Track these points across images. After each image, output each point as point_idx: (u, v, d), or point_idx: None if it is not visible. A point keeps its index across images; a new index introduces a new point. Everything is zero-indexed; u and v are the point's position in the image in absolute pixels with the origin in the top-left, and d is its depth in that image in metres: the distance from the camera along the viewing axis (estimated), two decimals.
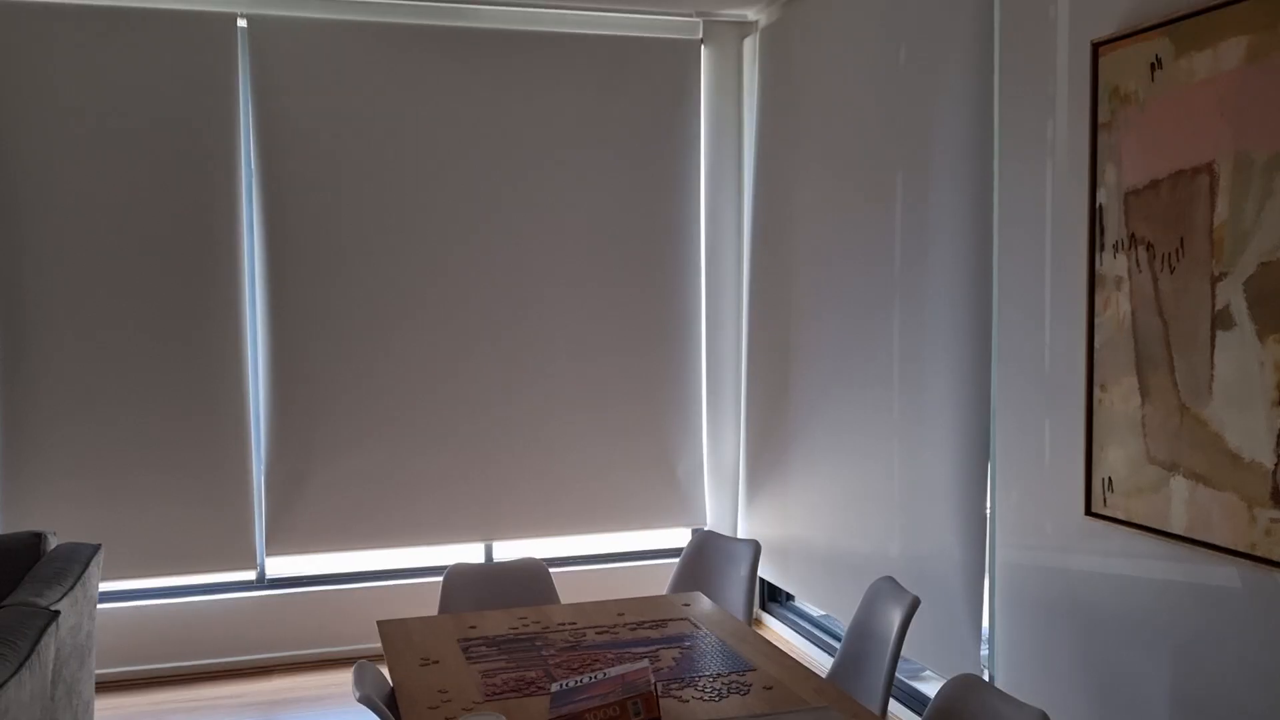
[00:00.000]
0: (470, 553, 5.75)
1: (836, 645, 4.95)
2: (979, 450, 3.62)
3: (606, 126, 5.35)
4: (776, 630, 5.53)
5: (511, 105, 5.23)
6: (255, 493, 5.04)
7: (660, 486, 5.54)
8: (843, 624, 5.05)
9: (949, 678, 2.50)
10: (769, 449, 5.20)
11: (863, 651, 3.07)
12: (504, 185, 5.24)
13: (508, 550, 5.69)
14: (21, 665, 2.64)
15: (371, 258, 5.10)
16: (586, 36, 5.29)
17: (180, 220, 4.87)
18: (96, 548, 3.73)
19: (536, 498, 5.37)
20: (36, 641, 2.79)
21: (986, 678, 3.62)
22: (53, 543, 3.77)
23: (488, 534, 5.34)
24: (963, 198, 3.68)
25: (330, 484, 5.09)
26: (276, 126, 4.95)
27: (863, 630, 3.12)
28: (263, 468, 5.05)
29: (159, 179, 4.83)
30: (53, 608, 3.06)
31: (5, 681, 2.51)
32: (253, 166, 4.95)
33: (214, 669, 5.05)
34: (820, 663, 4.95)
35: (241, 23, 4.90)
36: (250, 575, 5.16)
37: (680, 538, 5.93)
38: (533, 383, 5.33)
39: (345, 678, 4.91)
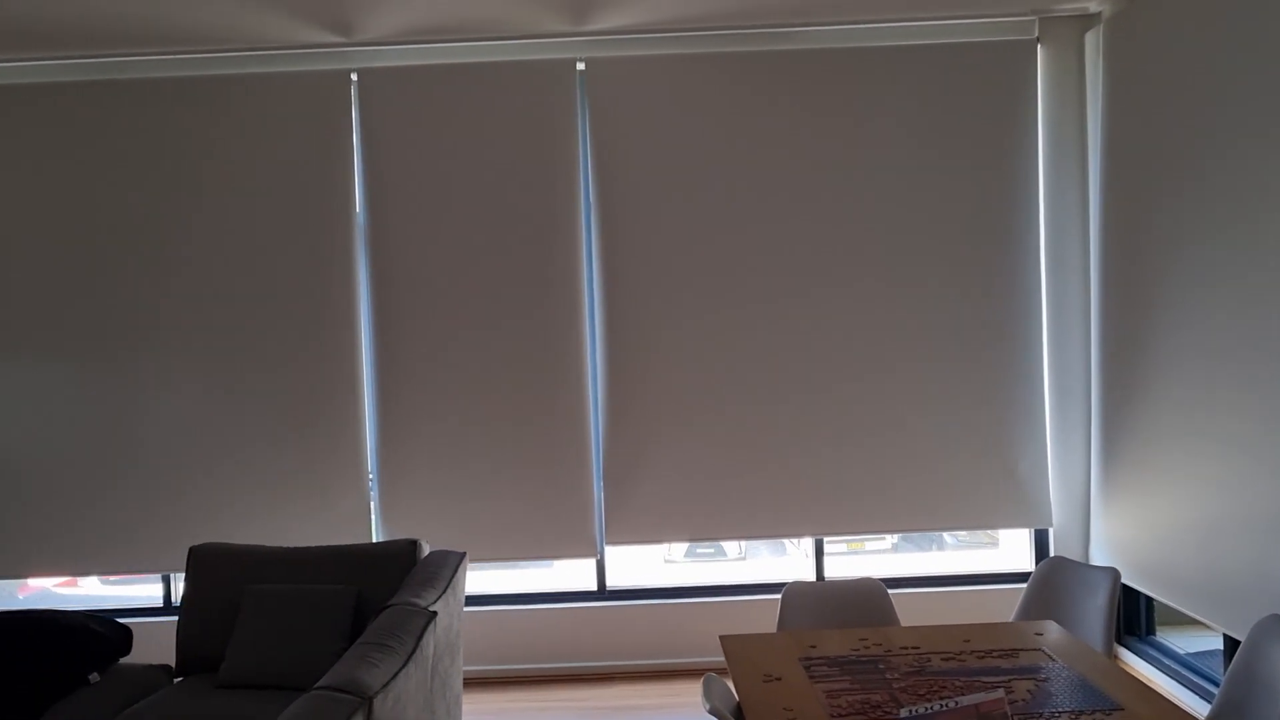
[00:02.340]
0: (802, 568, 5.76)
1: (1207, 686, 4.52)
2: None
3: (937, 134, 5.22)
4: (1136, 667, 5.13)
5: (837, 120, 5.22)
6: (595, 487, 5.31)
7: (999, 484, 5.30)
8: (1216, 642, 4.61)
9: None
10: (1125, 449, 4.84)
11: (1248, 698, 2.79)
12: (833, 193, 5.23)
13: (841, 565, 5.64)
14: (409, 658, 2.92)
15: (701, 266, 5.24)
16: (912, 47, 5.20)
17: (527, 244, 5.23)
18: (462, 555, 4.06)
19: (868, 493, 5.29)
20: (420, 638, 3.07)
21: None
22: (425, 549, 4.14)
23: (819, 529, 5.31)
24: None
25: (663, 478, 5.28)
26: (610, 154, 5.21)
27: (1248, 674, 2.83)
28: (600, 464, 5.31)
29: (510, 208, 5.22)
30: (431, 608, 3.36)
31: (397, 672, 2.78)
32: (590, 190, 5.24)
33: (559, 673, 5.34)
34: (1192, 706, 4.53)
35: (580, 66, 5.21)
36: (592, 584, 5.43)
37: (1022, 559, 5.64)
38: (864, 378, 5.27)
39: (683, 689, 5.05)
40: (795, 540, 6.82)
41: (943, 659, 3.02)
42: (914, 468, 5.29)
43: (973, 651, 3.08)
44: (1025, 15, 5.19)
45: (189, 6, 4.60)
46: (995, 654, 3.05)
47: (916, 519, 5.31)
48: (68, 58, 5.20)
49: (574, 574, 5.79)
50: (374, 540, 5.28)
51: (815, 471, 5.29)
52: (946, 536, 7.06)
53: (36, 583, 6.26)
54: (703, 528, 5.31)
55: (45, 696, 3.66)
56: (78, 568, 5.29)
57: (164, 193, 5.24)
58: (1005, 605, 5.34)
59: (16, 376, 5.27)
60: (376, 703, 2.61)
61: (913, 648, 3.13)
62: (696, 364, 5.27)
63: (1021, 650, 3.07)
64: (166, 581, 5.50)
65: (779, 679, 2.88)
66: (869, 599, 3.69)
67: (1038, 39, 5.23)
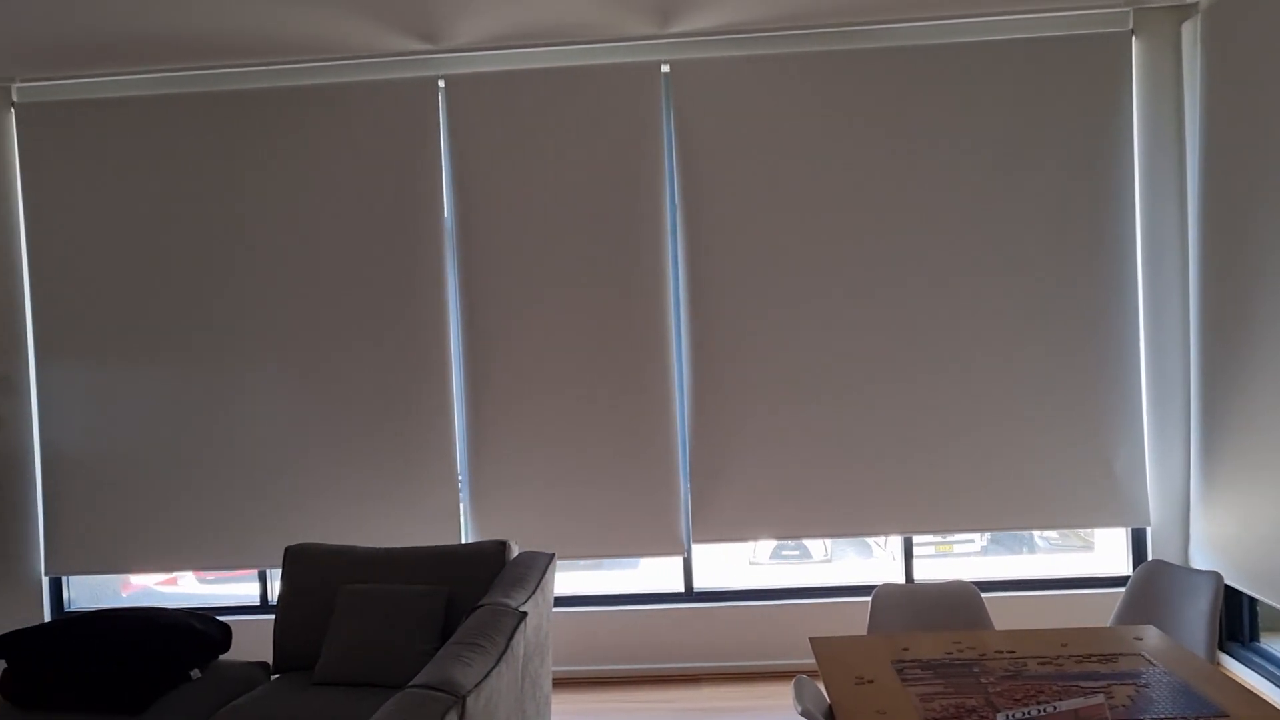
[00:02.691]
0: (889, 571, 5.70)
1: None
2: None
3: (1029, 129, 5.12)
4: (1239, 674, 4.97)
5: (927, 117, 5.15)
6: (681, 486, 5.31)
7: (1094, 481, 5.17)
8: None
9: None
10: (1227, 444, 4.69)
11: None
12: (922, 189, 5.17)
13: (929, 567, 5.57)
14: (500, 658, 2.96)
15: (788, 263, 5.22)
16: (1002, 42, 5.11)
17: (613, 246, 5.26)
18: (551, 556, 4.10)
19: (958, 491, 5.21)
20: (510, 638, 3.10)
21: None
22: (514, 551, 4.18)
23: (907, 527, 5.25)
24: None
25: (750, 476, 5.27)
26: (695, 154, 5.22)
27: None
28: (687, 462, 5.31)
29: (596, 210, 5.26)
30: (521, 608, 3.39)
31: (489, 671, 2.82)
32: (675, 191, 5.25)
33: (647, 674, 5.36)
34: None
35: (665, 68, 5.23)
36: (679, 586, 5.44)
37: (1118, 563, 5.51)
38: (954, 374, 5.20)
39: (770, 691, 5.03)
40: (881, 542, 6.74)
41: (1039, 663, 2.96)
42: (1005, 465, 5.20)
43: (1070, 656, 3.02)
44: (1119, 7, 5.06)
45: (280, 19, 4.73)
46: (1093, 659, 2.98)
47: (1008, 517, 5.21)
48: (167, 70, 5.38)
49: (660, 576, 5.79)
50: (463, 539, 5.36)
51: (904, 469, 5.23)
52: (1038, 539, 6.91)
53: (138, 580, 6.47)
54: (790, 526, 5.28)
55: (150, 692, 3.79)
56: (182, 564, 5.46)
57: (260, 199, 5.39)
58: (1101, 610, 5.21)
59: (122, 379, 5.46)
60: (469, 701, 2.65)
61: (1008, 651, 3.08)
62: (782, 361, 5.25)
63: (1120, 655, 3.00)
64: (263, 580, 5.65)
65: (871, 681, 2.86)
66: (961, 602, 3.64)
67: (1132, 31, 5.10)
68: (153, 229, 5.44)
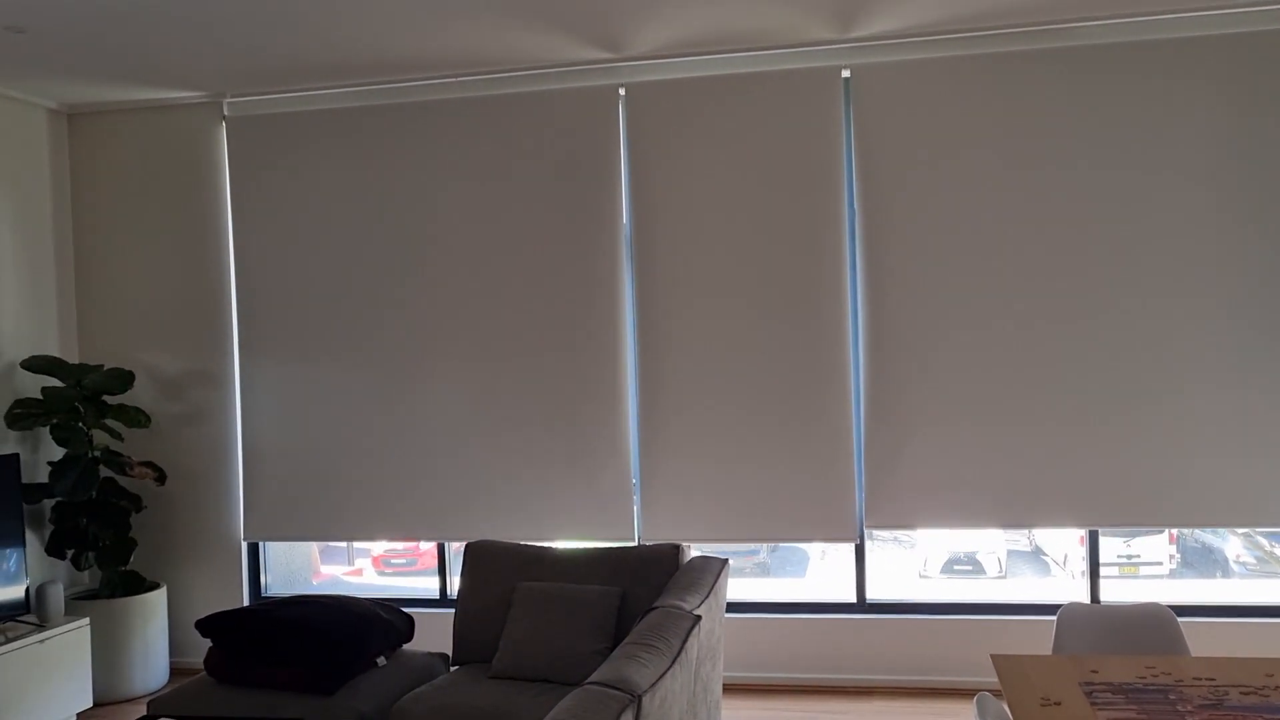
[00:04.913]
0: (1068, 589, 5.49)
1: None
2: None
3: (1237, 133, 4.84)
4: None
5: (1131, 120, 4.93)
6: (856, 472, 5.24)
7: None
8: None
9: None
10: None
11: None
12: (1122, 193, 4.95)
13: (1111, 588, 5.33)
14: (674, 660, 2.98)
15: (971, 264, 5.08)
16: (1208, 38, 4.84)
17: (790, 247, 5.24)
18: (724, 562, 4.11)
19: (1146, 484, 4.94)
20: (684, 640, 3.13)
21: None
22: (688, 554, 4.21)
23: (1088, 520, 5.01)
24: None
25: (926, 462, 5.15)
26: (876, 160, 5.15)
27: None
28: (861, 449, 5.24)
29: (774, 215, 5.25)
30: (695, 612, 3.42)
31: (664, 673, 2.85)
32: (854, 195, 5.19)
33: (817, 684, 5.30)
34: None
35: (845, 73, 5.18)
36: (851, 596, 5.37)
37: None
38: (1143, 360, 4.94)
39: (945, 708, 4.90)
40: (1061, 560, 6.48)
41: (1241, 693, 2.79)
42: (1200, 457, 4.89)
43: (1277, 687, 2.83)
44: None
45: (469, 35, 4.90)
46: None
47: (1202, 514, 4.91)
48: (364, 84, 5.65)
49: (826, 587, 5.73)
50: (636, 521, 5.43)
51: (1088, 458, 4.99)
52: (1233, 563, 6.51)
53: (327, 570, 6.83)
54: (966, 515, 5.12)
55: (340, 675, 3.98)
56: (358, 534, 5.81)
57: (444, 206, 5.60)
58: None
59: (313, 375, 5.77)
60: (645, 701, 2.69)
61: (1207, 679, 2.92)
62: (963, 345, 5.10)
63: None
64: (442, 574, 5.86)
65: (1058, 704, 2.75)
66: (1155, 625, 3.46)
67: None
68: (344, 234, 5.72)
